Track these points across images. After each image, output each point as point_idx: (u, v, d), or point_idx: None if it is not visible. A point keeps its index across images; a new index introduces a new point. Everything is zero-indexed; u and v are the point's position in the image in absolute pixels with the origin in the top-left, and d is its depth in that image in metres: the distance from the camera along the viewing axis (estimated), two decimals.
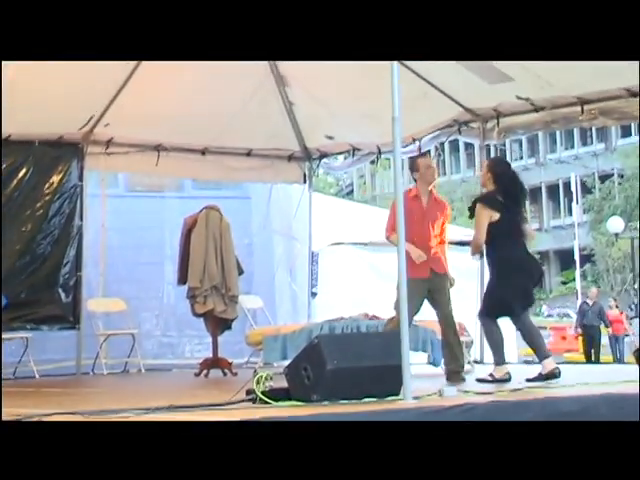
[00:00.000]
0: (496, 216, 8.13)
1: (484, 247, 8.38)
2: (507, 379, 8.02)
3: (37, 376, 10.95)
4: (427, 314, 9.49)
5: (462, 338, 10.78)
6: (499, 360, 8.22)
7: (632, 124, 41.11)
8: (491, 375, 8.10)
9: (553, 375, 7.85)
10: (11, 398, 6.45)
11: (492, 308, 8.27)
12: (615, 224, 34.04)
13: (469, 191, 38.04)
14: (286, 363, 7.18)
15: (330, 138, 12.76)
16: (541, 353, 8.15)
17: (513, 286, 8.11)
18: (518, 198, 8.45)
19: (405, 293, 6.20)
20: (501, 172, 8.43)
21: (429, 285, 8.72)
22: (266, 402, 5.90)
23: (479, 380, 8.10)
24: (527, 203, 8.75)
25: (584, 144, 53.91)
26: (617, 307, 24.63)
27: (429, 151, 9.75)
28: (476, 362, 10.87)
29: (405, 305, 6.19)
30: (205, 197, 12.77)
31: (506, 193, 8.25)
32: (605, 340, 22.84)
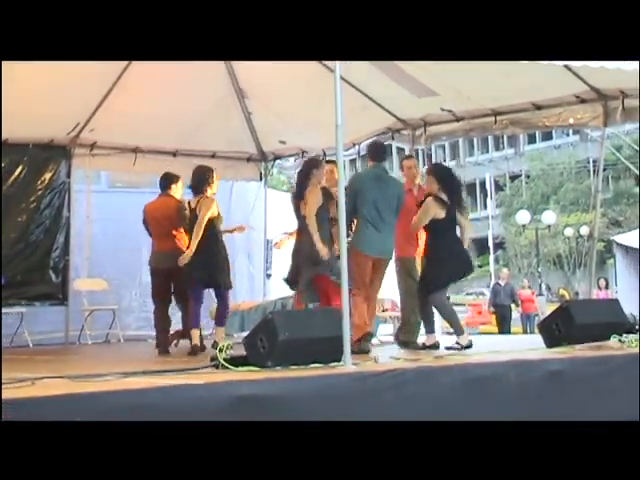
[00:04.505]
0: (441, 214, 8.19)
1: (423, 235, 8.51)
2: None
3: (31, 345, 10.82)
4: None
5: (393, 314, 10.84)
6: (459, 330, 8.18)
7: (536, 133, 41.45)
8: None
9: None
10: (8, 364, 6.39)
11: (438, 281, 8.20)
12: (522, 217, 34.23)
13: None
14: (245, 334, 7.16)
15: (283, 143, 12.76)
16: (456, 328, 8.23)
17: (449, 267, 8.17)
18: (459, 197, 8.52)
19: (345, 268, 6.20)
20: (443, 176, 8.48)
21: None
22: (227, 367, 5.89)
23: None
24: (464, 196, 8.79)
25: (497, 149, 54.30)
26: (529, 287, 24.50)
27: (413, 155, 9.83)
28: None
29: (346, 278, 6.20)
30: None
31: (450, 194, 8.30)
32: (515, 315, 22.62)
